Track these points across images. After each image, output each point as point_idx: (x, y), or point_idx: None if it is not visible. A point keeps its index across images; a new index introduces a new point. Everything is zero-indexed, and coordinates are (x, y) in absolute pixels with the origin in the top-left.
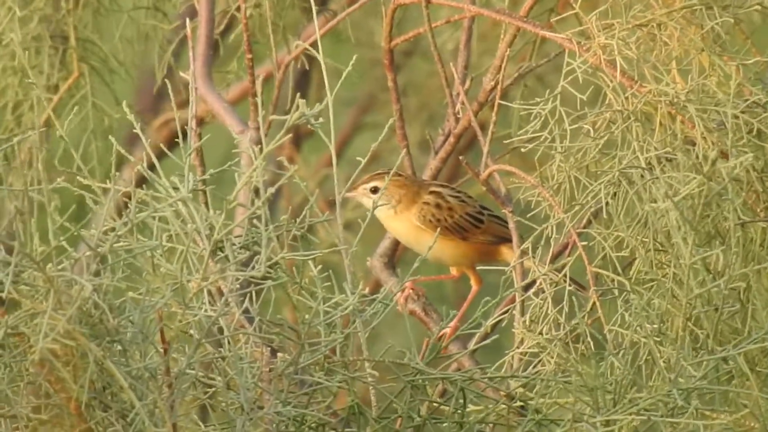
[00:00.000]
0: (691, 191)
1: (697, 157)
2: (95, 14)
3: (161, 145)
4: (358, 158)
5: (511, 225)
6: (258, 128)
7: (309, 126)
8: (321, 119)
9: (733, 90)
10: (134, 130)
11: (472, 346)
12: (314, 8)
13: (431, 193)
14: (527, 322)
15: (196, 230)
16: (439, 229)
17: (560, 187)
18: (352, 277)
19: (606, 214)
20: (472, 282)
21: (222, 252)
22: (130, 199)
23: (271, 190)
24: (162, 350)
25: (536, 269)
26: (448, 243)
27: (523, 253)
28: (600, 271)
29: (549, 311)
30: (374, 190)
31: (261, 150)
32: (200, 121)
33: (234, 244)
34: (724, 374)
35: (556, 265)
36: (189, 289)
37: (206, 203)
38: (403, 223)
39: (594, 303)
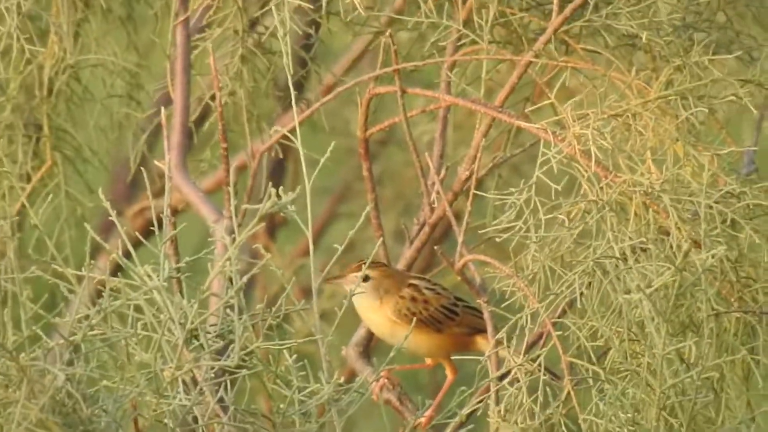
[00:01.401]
0: (664, 282)
1: (671, 247)
2: (68, 103)
3: (136, 234)
4: (335, 245)
5: (486, 315)
6: (232, 217)
7: (283, 214)
8: (295, 207)
9: (705, 180)
10: (109, 218)
11: None
12: (292, 95)
13: (409, 286)
14: (502, 412)
15: (170, 319)
16: (414, 321)
17: (535, 276)
18: (327, 366)
19: (580, 304)
20: (448, 372)
21: (196, 341)
22: (104, 287)
23: (244, 278)
24: None
25: (511, 359)
26: (423, 336)
27: (498, 342)
28: (575, 360)
29: (524, 401)
30: (365, 279)
31: (235, 239)
32: (175, 210)
33: (208, 333)
34: None
35: (530, 354)
36: (163, 378)
37: (181, 292)
38: (379, 316)
39: (569, 392)
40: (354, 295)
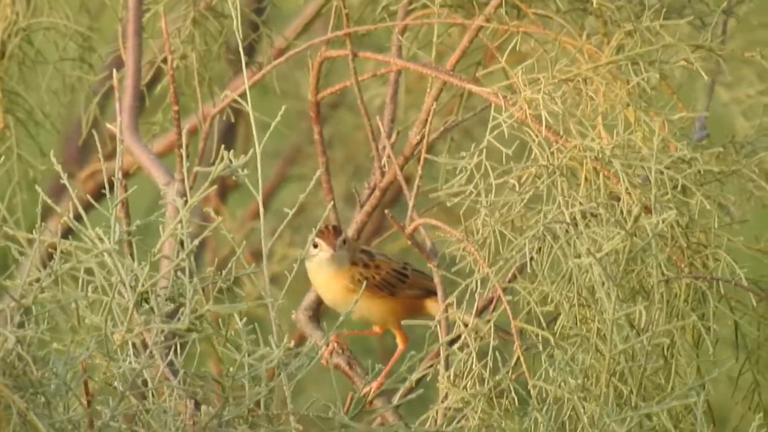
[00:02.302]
0: (614, 247)
1: (622, 212)
2: (21, 66)
3: (87, 197)
4: (285, 209)
5: (437, 279)
6: (183, 180)
7: (235, 178)
8: (246, 171)
9: (656, 145)
10: (61, 181)
11: (396, 400)
12: (243, 60)
13: (361, 252)
14: (452, 377)
15: (120, 282)
16: (365, 284)
17: (485, 241)
18: (277, 330)
19: (531, 269)
20: (399, 341)
21: (147, 304)
22: (55, 250)
23: (195, 242)
24: (86, 402)
25: (461, 323)
26: (376, 300)
27: (448, 307)
28: (525, 326)
29: (473, 366)
30: (344, 243)
31: (186, 202)
32: (126, 173)
33: (159, 296)
34: (648, 430)
35: (480, 318)
36: (113, 341)
37: (132, 255)
38: (338, 284)
39: (518, 358)
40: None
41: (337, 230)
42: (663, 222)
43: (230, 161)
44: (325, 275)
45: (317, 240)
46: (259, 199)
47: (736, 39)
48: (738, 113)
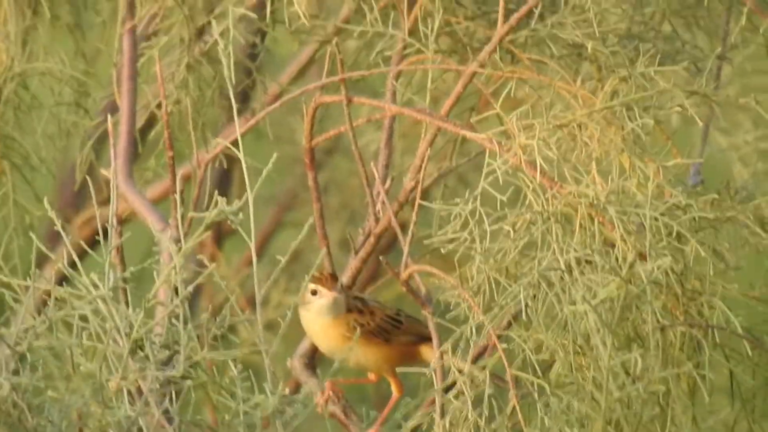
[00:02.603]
0: (609, 294)
1: (617, 259)
2: (17, 111)
3: (82, 243)
4: (278, 257)
5: (431, 326)
6: (178, 226)
7: (230, 223)
8: (240, 216)
9: (650, 190)
10: (55, 228)
11: None
12: (234, 107)
13: (354, 299)
14: (447, 425)
15: (115, 328)
16: (359, 331)
17: (480, 288)
18: (271, 378)
19: (525, 316)
20: (394, 389)
21: (142, 351)
22: (50, 296)
23: (189, 288)
24: None
25: (455, 370)
26: (371, 347)
27: (443, 354)
28: (520, 373)
29: (469, 414)
30: (313, 293)
31: (180, 248)
32: (121, 219)
33: (153, 343)
34: None
35: (476, 366)
36: (108, 389)
37: (126, 301)
38: (334, 331)
39: (514, 406)
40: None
41: (333, 276)
42: (658, 269)
43: (224, 207)
44: (323, 322)
45: (315, 287)
46: (252, 245)
47: (731, 85)
48: (735, 159)
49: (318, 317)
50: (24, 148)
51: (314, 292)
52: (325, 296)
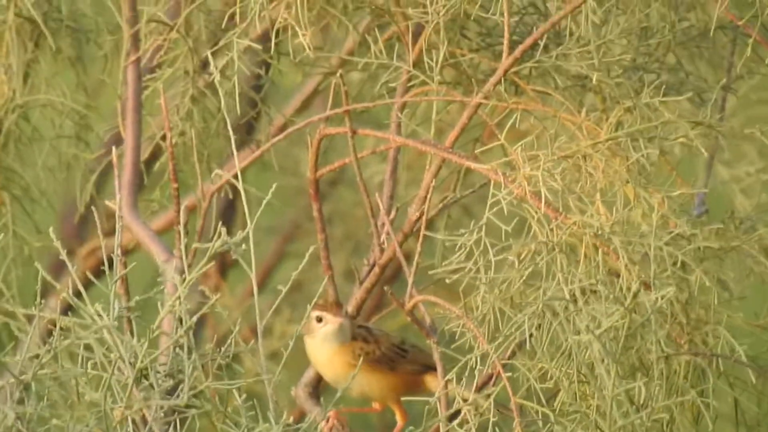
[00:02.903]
0: (614, 323)
1: (621, 289)
2: (17, 143)
3: (87, 273)
4: (279, 287)
5: (436, 356)
6: (182, 257)
7: (233, 254)
8: (243, 246)
9: (655, 221)
10: (60, 258)
11: None
12: (233, 139)
13: (359, 327)
14: None
15: (120, 358)
16: (362, 359)
17: (485, 318)
18: (275, 407)
19: (530, 345)
20: (398, 417)
21: (146, 380)
22: (55, 326)
23: (193, 318)
24: None
25: (460, 399)
26: (376, 375)
27: (448, 383)
28: (524, 402)
29: None
30: (318, 320)
31: (184, 279)
32: (126, 250)
33: (158, 372)
34: None
35: (480, 394)
36: (113, 417)
37: (131, 331)
38: (340, 360)
39: None
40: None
41: (338, 303)
42: (662, 298)
43: (227, 238)
44: (329, 350)
45: (321, 314)
46: (253, 276)
47: (735, 116)
48: (738, 191)
49: (323, 344)
50: (24, 180)
51: (320, 319)
52: (331, 322)
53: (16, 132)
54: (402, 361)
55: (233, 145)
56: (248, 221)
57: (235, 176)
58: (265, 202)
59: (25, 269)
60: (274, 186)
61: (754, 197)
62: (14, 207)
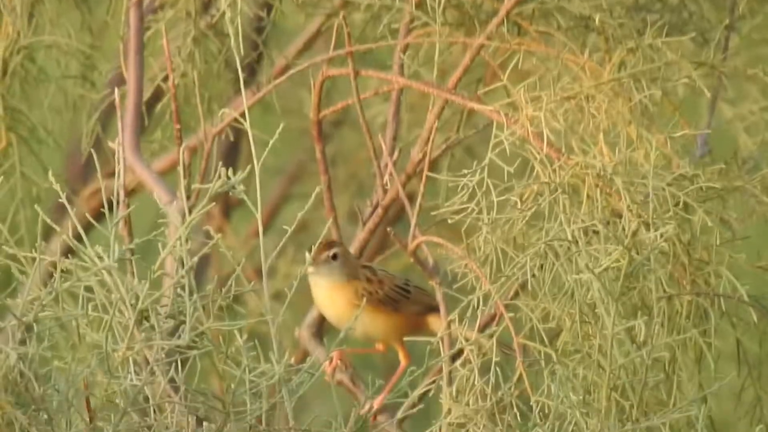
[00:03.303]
0: (613, 262)
1: (623, 229)
2: (23, 83)
3: (88, 215)
4: (285, 227)
5: (439, 296)
6: (185, 198)
7: (234, 194)
8: (242, 187)
9: (652, 160)
10: (60, 200)
11: (399, 415)
12: (242, 79)
13: (363, 267)
14: (454, 393)
15: (121, 299)
16: (367, 301)
17: (487, 258)
18: (278, 347)
19: (532, 285)
20: (401, 357)
21: (147, 321)
22: (56, 268)
23: (194, 259)
24: (88, 419)
25: (463, 339)
26: (380, 315)
27: (450, 323)
28: (527, 342)
29: (476, 382)
30: (334, 257)
31: (186, 219)
32: (128, 191)
33: (159, 314)
34: None
35: (483, 335)
36: (114, 358)
37: (133, 273)
38: (341, 299)
39: (520, 374)
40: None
41: (329, 245)
42: (661, 236)
43: (228, 178)
44: (332, 286)
45: (330, 251)
46: (258, 216)
47: (738, 55)
48: (741, 130)
49: (326, 280)
50: (31, 120)
51: (335, 257)
52: (335, 257)
53: (21, 73)
54: (405, 301)
55: (242, 85)
56: (253, 163)
57: (241, 116)
58: (272, 142)
59: (33, 210)
60: (281, 126)
61: (758, 135)
62: (21, 148)
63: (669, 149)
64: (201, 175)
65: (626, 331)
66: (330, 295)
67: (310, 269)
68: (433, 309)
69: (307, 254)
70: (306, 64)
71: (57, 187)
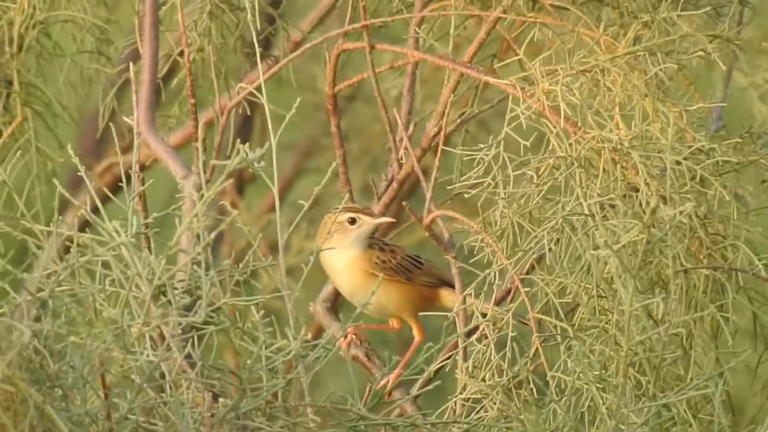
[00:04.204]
0: (632, 238)
1: (640, 204)
2: (38, 58)
3: (104, 189)
4: (300, 202)
5: (454, 270)
6: (200, 173)
7: (251, 170)
8: (263, 163)
9: (671, 135)
10: (78, 174)
11: (414, 391)
12: (258, 53)
13: (373, 238)
14: (470, 368)
15: (137, 275)
16: (381, 271)
17: (503, 232)
18: (294, 322)
19: (549, 260)
20: (415, 333)
21: (164, 297)
22: (72, 243)
23: (212, 235)
24: (103, 395)
25: (479, 315)
26: (393, 285)
27: (466, 298)
28: (542, 317)
29: (492, 357)
30: (352, 221)
31: (202, 195)
32: (143, 166)
33: (176, 289)
34: (667, 421)
35: (499, 309)
36: (130, 334)
37: (149, 248)
38: (352, 270)
39: (536, 349)
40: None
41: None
42: (681, 213)
43: (246, 154)
44: (352, 255)
45: (356, 215)
46: (275, 191)
47: (752, 28)
48: (756, 98)
49: (349, 249)
50: (46, 95)
51: (352, 221)
52: (367, 223)
53: (36, 48)
54: (418, 272)
55: (258, 58)
56: (270, 136)
57: (256, 90)
58: (288, 117)
59: (48, 185)
60: (297, 101)
61: None
62: (36, 123)
63: (684, 123)
64: (216, 149)
65: (643, 307)
66: (342, 266)
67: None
68: (446, 283)
69: (356, 215)
70: (321, 39)
71: (76, 160)
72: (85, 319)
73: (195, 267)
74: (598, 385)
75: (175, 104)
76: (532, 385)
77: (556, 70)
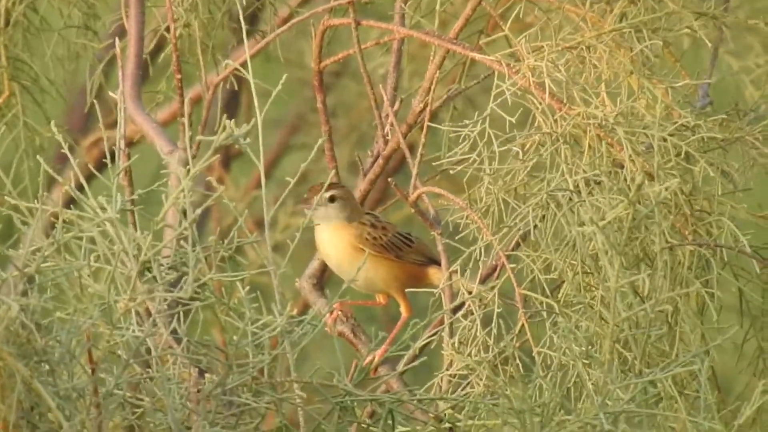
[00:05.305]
0: (617, 214)
1: (625, 180)
2: (25, 33)
3: (89, 166)
4: (287, 178)
5: (440, 247)
6: (186, 149)
7: (237, 146)
8: (248, 139)
9: (658, 112)
10: (63, 150)
11: (400, 367)
12: (244, 29)
13: (367, 214)
14: (456, 344)
15: (123, 251)
16: (368, 246)
17: (489, 209)
18: (280, 298)
19: (534, 236)
20: (403, 309)
21: (149, 272)
22: (58, 219)
23: (198, 211)
24: (90, 370)
25: (465, 291)
26: (383, 262)
27: (452, 275)
28: (528, 293)
29: (478, 333)
30: (331, 199)
31: (188, 171)
32: (129, 142)
33: (161, 265)
34: (652, 397)
35: (484, 286)
36: (116, 310)
37: (134, 224)
38: (342, 241)
39: (522, 325)
40: (317, 216)
41: (328, 187)
42: (666, 189)
43: (232, 130)
44: (325, 233)
45: (333, 193)
46: (261, 167)
47: (740, 7)
48: (747, 82)
49: (328, 222)
50: (33, 70)
51: (332, 199)
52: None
53: (24, 22)
54: (408, 250)
55: (244, 35)
56: (256, 112)
57: (243, 66)
58: (275, 93)
59: (36, 161)
60: (284, 77)
61: (763, 89)
62: (24, 97)
63: (670, 100)
64: (202, 125)
65: (629, 283)
66: (330, 238)
67: (306, 210)
68: (435, 261)
69: (331, 192)
70: (308, 14)
71: (59, 137)
72: (72, 295)
73: (181, 243)
74: (584, 361)
75: (163, 80)
76: (518, 361)
77: (542, 47)
